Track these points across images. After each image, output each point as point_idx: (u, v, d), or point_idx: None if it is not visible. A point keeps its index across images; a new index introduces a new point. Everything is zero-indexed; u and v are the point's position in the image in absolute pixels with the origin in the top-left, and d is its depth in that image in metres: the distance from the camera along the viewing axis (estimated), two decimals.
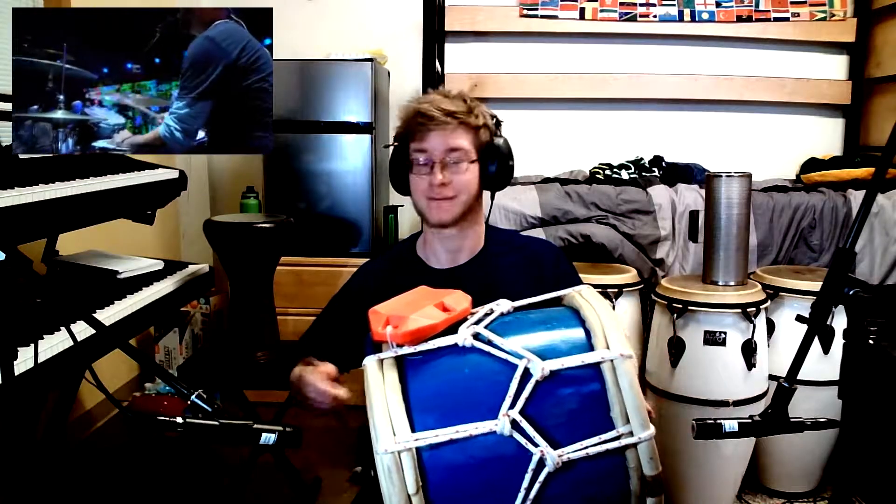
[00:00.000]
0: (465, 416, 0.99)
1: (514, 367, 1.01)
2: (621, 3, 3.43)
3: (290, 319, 2.98)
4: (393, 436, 0.97)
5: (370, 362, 1.07)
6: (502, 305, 1.17)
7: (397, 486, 0.96)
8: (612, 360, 1.00)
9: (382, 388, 1.02)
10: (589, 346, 1.04)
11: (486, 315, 1.14)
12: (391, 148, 1.51)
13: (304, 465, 2.42)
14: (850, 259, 1.23)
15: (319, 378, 1.34)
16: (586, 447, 0.98)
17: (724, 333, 2.18)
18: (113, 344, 1.56)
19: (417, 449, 0.98)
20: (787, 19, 3.42)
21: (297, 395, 1.42)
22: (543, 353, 1.02)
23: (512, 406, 0.98)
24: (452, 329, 1.09)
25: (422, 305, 1.12)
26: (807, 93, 3.49)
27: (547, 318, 1.14)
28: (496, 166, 1.48)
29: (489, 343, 1.05)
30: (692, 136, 3.55)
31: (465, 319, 1.12)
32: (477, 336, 1.07)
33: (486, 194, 1.54)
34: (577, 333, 1.07)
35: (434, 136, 1.42)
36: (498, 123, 1.52)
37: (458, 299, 1.15)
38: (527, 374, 1.00)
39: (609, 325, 1.04)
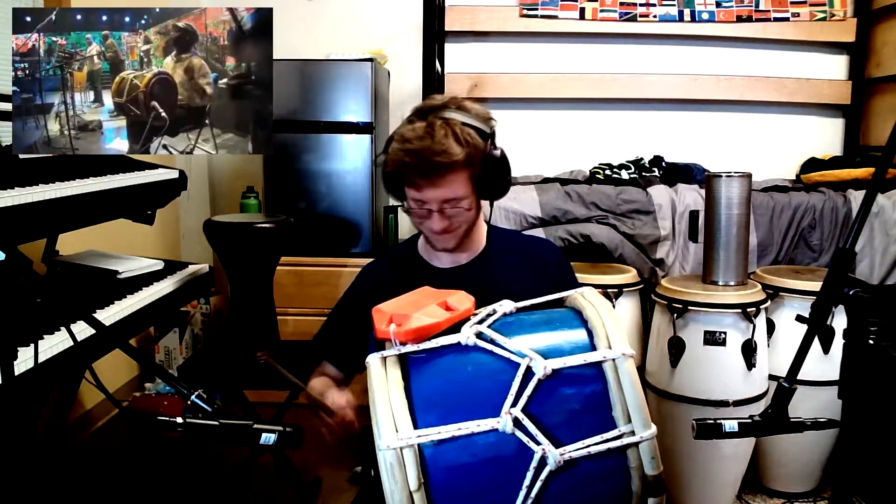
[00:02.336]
0: (468, 413, 1.00)
1: (517, 365, 1.01)
2: (621, 3, 3.43)
3: (290, 319, 2.98)
4: (395, 432, 0.97)
5: (373, 360, 1.07)
6: (505, 306, 1.17)
7: (399, 483, 0.96)
8: (613, 360, 1.00)
9: (385, 385, 1.02)
10: (591, 347, 1.04)
11: (489, 315, 1.14)
12: (379, 164, 1.46)
13: (304, 465, 2.42)
14: (850, 259, 1.23)
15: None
16: (588, 446, 0.98)
17: (724, 333, 2.18)
18: (113, 344, 1.56)
19: (420, 445, 0.98)
20: (787, 19, 3.42)
21: (318, 410, 1.41)
22: (546, 353, 1.02)
23: (514, 404, 0.99)
24: (455, 328, 1.09)
25: (425, 305, 1.12)
26: (807, 93, 3.49)
27: (549, 319, 1.14)
28: (496, 181, 1.42)
29: (492, 342, 1.05)
30: (692, 136, 3.55)
31: (467, 319, 1.12)
32: (480, 335, 1.07)
33: None
34: (580, 334, 1.08)
35: (429, 189, 1.35)
36: (493, 131, 1.42)
37: (462, 299, 1.16)
38: (529, 373, 1.01)
39: (611, 325, 1.05)
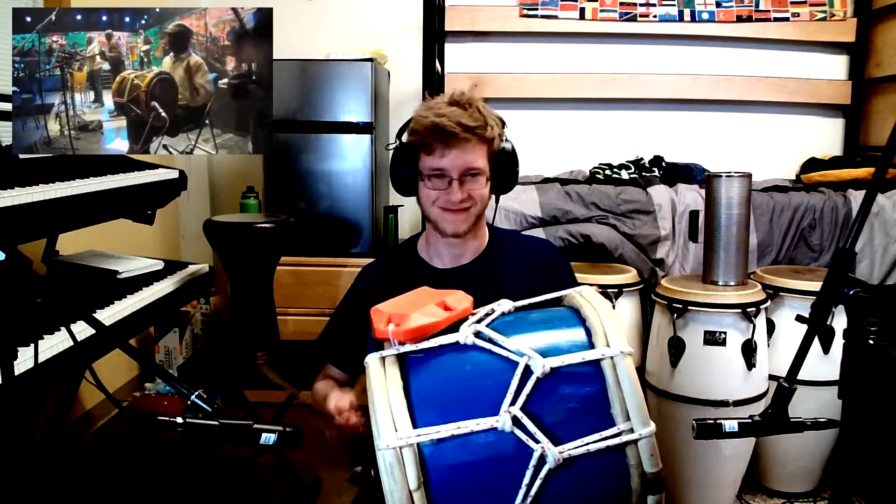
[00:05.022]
0: (467, 412, 1.00)
1: (515, 364, 1.01)
2: (621, 3, 3.43)
3: (290, 319, 2.98)
4: (395, 431, 0.97)
5: (372, 360, 1.07)
6: (503, 305, 1.17)
7: (399, 482, 0.96)
8: (612, 357, 1.00)
9: (384, 384, 1.02)
10: (590, 345, 1.04)
11: (488, 314, 1.14)
12: (392, 149, 1.50)
13: (304, 465, 2.42)
14: (850, 259, 1.23)
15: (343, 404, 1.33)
16: (587, 444, 0.98)
17: (724, 333, 2.18)
18: (113, 344, 1.56)
19: (419, 445, 0.98)
20: (787, 19, 3.42)
21: (322, 414, 1.42)
22: (544, 352, 1.02)
23: (513, 403, 0.99)
24: (454, 328, 1.09)
25: (423, 304, 1.12)
26: (807, 93, 3.49)
27: (548, 318, 1.14)
28: (506, 173, 1.48)
29: (490, 341, 1.06)
30: (692, 136, 3.55)
31: (466, 318, 1.12)
32: (478, 334, 1.07)
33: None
34: (578, 333, 1.08)
35: (452, 155, 1.38)
36: (503, 125, 1.50)
37: (460, 299, 1.16)
38: (528, 371, 1.01)
39: (609, 324, 1.05)
